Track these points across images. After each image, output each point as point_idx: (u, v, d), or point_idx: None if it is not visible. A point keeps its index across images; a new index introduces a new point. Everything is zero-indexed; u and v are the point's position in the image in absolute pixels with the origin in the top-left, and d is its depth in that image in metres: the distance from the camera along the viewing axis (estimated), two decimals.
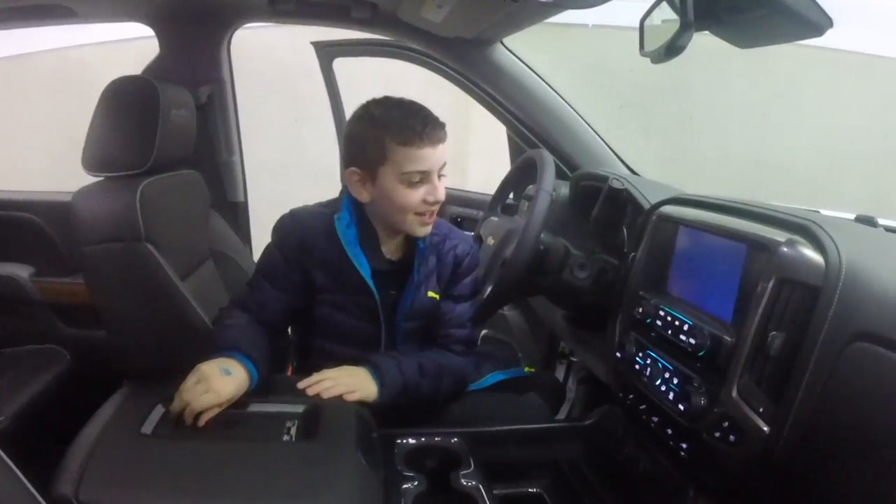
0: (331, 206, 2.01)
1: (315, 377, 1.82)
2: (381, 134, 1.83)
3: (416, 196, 1.87)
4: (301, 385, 1.79)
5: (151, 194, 2.03)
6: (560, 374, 2.80)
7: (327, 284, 1.95)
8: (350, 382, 1.82)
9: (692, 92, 6.18)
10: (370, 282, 1.95)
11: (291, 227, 1.96)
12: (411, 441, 1.82)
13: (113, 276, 2.02)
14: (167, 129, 2.08)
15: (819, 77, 6.42)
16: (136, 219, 1.96)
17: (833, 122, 6.51)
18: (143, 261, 1.98)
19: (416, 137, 1.82)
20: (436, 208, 1.92)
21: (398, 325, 2.03)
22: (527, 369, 2.41)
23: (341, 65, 3.29)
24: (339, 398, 1.75)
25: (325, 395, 1.76)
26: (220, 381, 1.61)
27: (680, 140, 6.22)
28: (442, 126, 1.88)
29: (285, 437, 1.57)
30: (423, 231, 1.95)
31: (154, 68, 2.72)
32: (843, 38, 6.15)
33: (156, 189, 2.07)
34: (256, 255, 2.69)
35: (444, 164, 1.91)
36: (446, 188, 1.95)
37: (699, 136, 6.31)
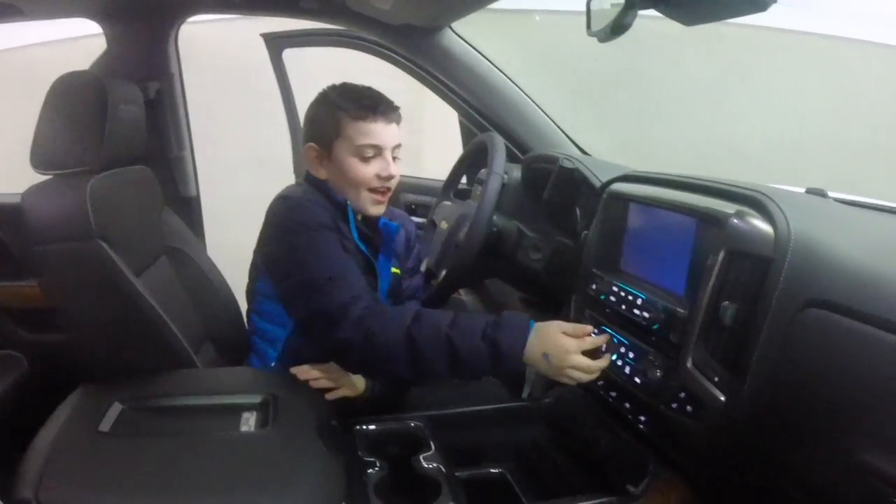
0: (311, 191, 1.98)
1: (307, 367, 1.86)
2: (336, 110, 1.89)
3: (369, 170, 1.90)
4: (294, 370, 1.84)
5: (102, 191, 2.00)
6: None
7: None
8: (337, 379, 1.87)
9: (645, 78, 6.21)
10: (373, 258, 2.00)
11: (311, 206, 1.88)
12: (371, 427, 1.82)
13: (66, 275, 2.00)
14: (116, 125, 2.05)
15: (770, 61, 6.47)
16: (87, 216, 1.93)
17: (786, 106, 6.57)
18: (95, 259, 1.95)
19: (368, 112, 1.87)
20: (389, 186, 1.95)
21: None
22: None
23: (292, 58, 3.28)
24: (301, 387, 1.76)
25: (313, 385, 1.81)
26: None
27: (634, 126, 6.25)
28: (395, 108, 1.93)
29: (244, 428, 1.57)
30: (377, 209, 1.97)
31: (102, 64, 2.69)
32: (793, 19, 6.22)
33: (106, 186, 2.04)
34: (210, 250, 2.68)
35: (399, 147, 1.95)
36: (401, 175, 1.96)
37: (653, 121, 6.34)
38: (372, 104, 1.89)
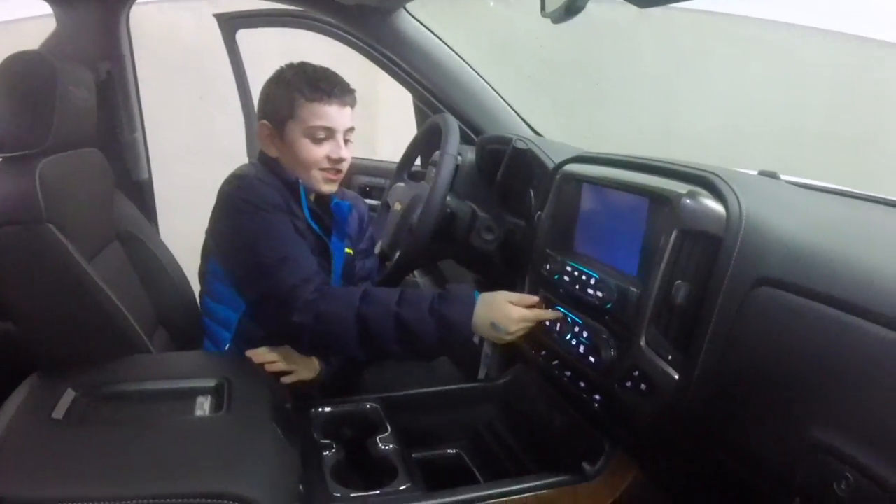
0: (262, 171, 1.97)
1: (262, 350, 1.85)
2: (291, 90, 1.89)
3: (320, 152, 1.90)
4: (249, 353, 1.83)
5: (52, 174, 1.98)
6: (476, 338, 2.81)
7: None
8: (290, 363, 1.87)
9: (600, 65, 6.23)
10: (326, 239, 1.99)
11: (263, 186, 1.88)
12: (327, 409, 1.82)
13: (15, 260, 1.97)
14: (66, 107, 2.02)
15: (725, 49, 6.53)
16: (37, 199, 1.90)
17: (741, 93, 6.63)
18: (46, 243, 1.93)
19: (322, 94, 1.87)
20: (341, 168, 1.95)
21: (334, 283, 2.05)
22: None
23: (246, 41, 3.25)
24: (255, 371, 1.75)
25: (269, 369, 1.81)
26: None
27: (589, 113, 6.27)
28: (351, 91, 1.93)
29: (198, 413, 1.56)
30: (328, 188, 1.97)
31: (51, 45, 2.66)
32: (743, 5, 6.28)
33: (56, 168, 2.01)
34: (164, 234, 2.65)
35: (351, 130, 1.95)
36: (354, 157, 1.96)
37: (608, 109, 6.37)
38: (327, 87, 1.88)
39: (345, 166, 1.96)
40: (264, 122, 1.95)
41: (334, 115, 1.89)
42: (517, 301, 1.73)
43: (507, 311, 1.71)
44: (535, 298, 1.75)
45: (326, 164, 1.92)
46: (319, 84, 1.88)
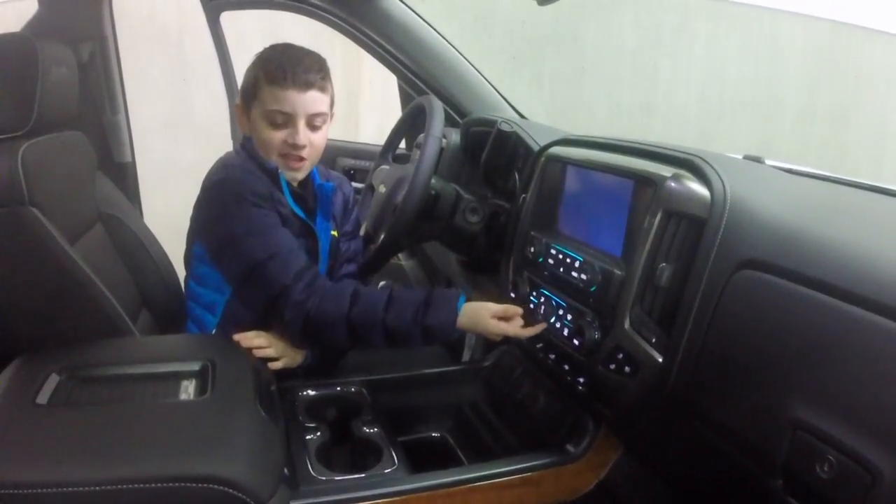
0: (245, 158, 1.96)
1: (251, 334, 1.83)
2: (257, 70, 1.87)
3: (277, 136, 1.87)
4: (237, 337, 1.81)
5: (34, 157, 1.96)
6: None
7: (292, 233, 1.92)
8: (279, 349, 1.86)
9: (582, 43, 6.24)
10: (310, 221, 1.97)
11: (248, 176, 1.88)
12: (311, 392, 1.82)
13: None
14: (48, 88, 2.01)
15: (705, 28, 6.56)
16: (20, 182, 1.89)
17: (720, 71, 6.67)
18: (28, 226, 1.92)
19: (282, 78, 1.83)
20: (303, 154, 1.90)
21: (322, 266, 2.03)
22: None
23: (229, 22, 3.23)
24: (239, 353, 1.75)
25: (257, 354, 1.79)
26: None
27: (571, 90, 6.29)
28: (318, 73, 1.88)
29: (183, 396, 1.55)
30: (291, 174, 1.94)
31: (33, 26, 2.64)
32: None
33: (39, 151, 2.00)
34: (147, 217, 2.64)
35: (320, 116, 1.90)
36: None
37: (590, 86, 6.38)
38: (289, 71, 1.84)
39: (307, 152, 1.91)
40: (238, 101, 1.95)
41: (292, 99, 1.84)
42: (500, 313, 1.74)
43: (487, 325, 1.74)
44: (519, 309, 1.75)
45: (284, 149, 1.88)
46: (281, 67, 1.84)
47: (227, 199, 1.83)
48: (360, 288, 1.83)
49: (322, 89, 1.89)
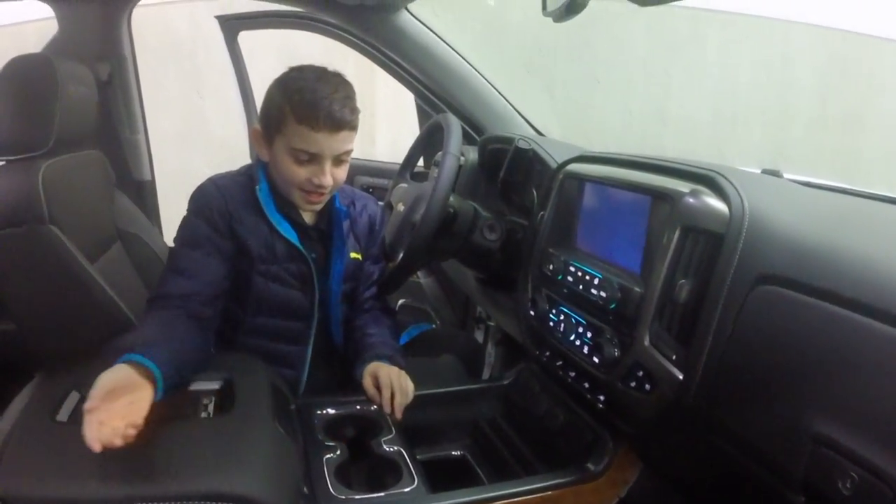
0: (245, 174, 1.97)
1: (386, 393, 1.78)
2: (285, 103, 1.79)
3: (301, 173, 1.83)
4: (388, 411, 1.77)
5: (54, 176, 1.98)
6: (479, 337, 2.82)
7: (263, 254, 1.90)
8: (406, 386, 1.81)
9: (595, 53, 6.25)
10: (301, 246, 1.93)
11: (216, 195, 1.89)
12: (330, 410, 1.82)
13: (18, 262, 1.98)
14: (67, 108, 2.03)
15: (717, 37, 6.56)
16: (40, 201, 1.91)
17: (732, 80, 6.66)
18: (49, 244, 1.93)
19: (314, 119, 1.77)
20: (323, 191, 1.88)
21: (333, 289, 2.02)
22: (434, 326, 2.43)
23: (242, 37, 3.25)
24: (259, 371, 1.75)
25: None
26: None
27: (583, 99, 6.29)
28: (350, 113, 1.82)
29: (203, 414, 1.56)
30: (309, 208, 1.94)
31: (54, 47, 2.66)
32: (740, 3, 6.35)
33: (59, 170, 2.02)
34: (166, 234, 2.65)
35: (347, 153, 1.87)
36: (354, 158, 1.94)
37: (602, 95, 6.39)
38: (321, 110, 1.77)
39: (329, 188, 1.88)
40: (257, 127, 1.90)
41: (322, 141, 1.79)
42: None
43: None
44: None
45: (308, 187, 1.85)
46: (313, 106, 1.77)
47: (188, 207, 1.90)
48: (188, 333, 1.72)
49: (352, 127, 1.84)
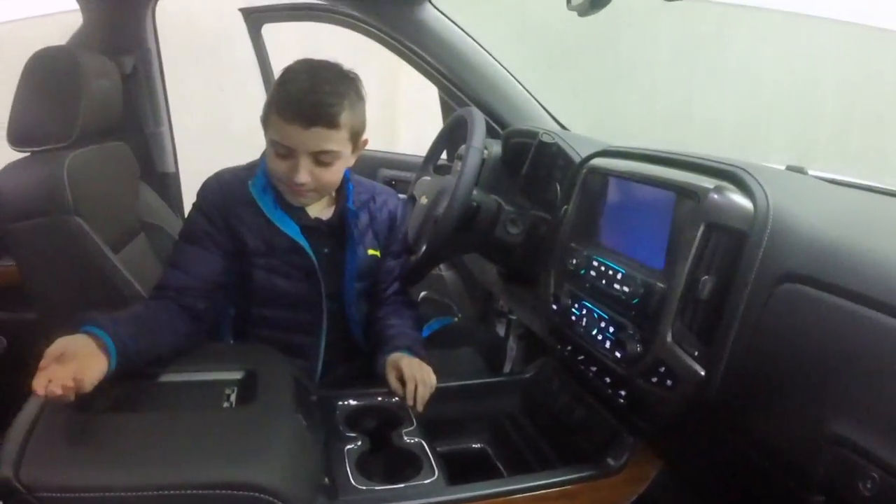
0: (250, 169, 1.99)
1: (410, 386, 1.78)
2: (273, 93, 1.81)
3: (280, 167, 1.82)
4: (411, 403, 1.77)
5: (79, 167, 1.99)
6: (501, 331, 2.82)
7: (260, 248, 1.92)
8: (428, 378, 1.81)
9: (619, 51, 6.23)
10: (300, 239, 1.92)
11: (216, 189, 1.92)
12: (352, 402, 1.83)
13: (44, 252, 1.99)
14: (91, 100, 2.04)
15: (741, 35, 6.53)
16: (65, 192, 1.92)
17: (757, 79, 6.63)
18: (73, 235, 1.95)
19: (286, 111, 1.75)
20: (300, 189, 1.85)
21: (347, 286, 2.03)
22: (456, 319, 2.43)
23: (267, 32, 3.26)
24: (281, 362, 1.76)
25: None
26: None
27: (607, 98, 6.27)
28: (328, 111, 1.76)
29: (225, 405, 1.57)
30: (295, 201, 1.93)
31: (78, 40, 2.68)
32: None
33: (83, 162, 2.03)
34: None
35: (326, 153, 1.81)
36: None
37: (626, 94, 6.37)
38: (296, 102, 1.75)
39: (312, 187, 1.85)
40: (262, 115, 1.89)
41: (294, 135, 1.76)
42: None
43: None
44: None
45: (286, 181, 1.84)
46: (290, 97, 1.75)
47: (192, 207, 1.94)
48: (171, 321, 1.75)
49: (331, 125, 1.78)
